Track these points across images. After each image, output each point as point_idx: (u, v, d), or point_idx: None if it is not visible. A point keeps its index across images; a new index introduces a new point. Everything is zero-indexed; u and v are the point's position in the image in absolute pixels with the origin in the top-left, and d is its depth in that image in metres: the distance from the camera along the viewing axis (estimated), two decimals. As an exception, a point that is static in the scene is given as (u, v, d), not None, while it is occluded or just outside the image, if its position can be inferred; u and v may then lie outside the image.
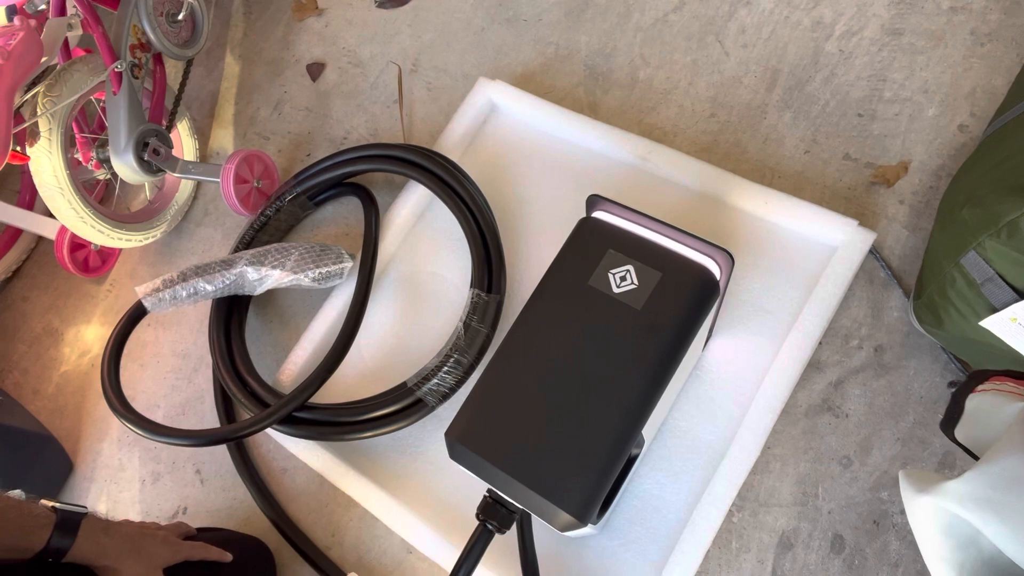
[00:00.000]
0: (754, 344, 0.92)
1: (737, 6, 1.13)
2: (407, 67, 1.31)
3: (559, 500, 0.66)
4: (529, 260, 1.07)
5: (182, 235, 1.36)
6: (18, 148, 1.11)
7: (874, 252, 0.93)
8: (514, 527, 0.76)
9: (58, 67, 1.13)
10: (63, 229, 1.27)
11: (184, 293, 1.04)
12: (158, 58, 1.23)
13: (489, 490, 0.74)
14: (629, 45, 1.17)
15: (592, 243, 0.75)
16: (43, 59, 1.08)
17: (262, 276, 1.05)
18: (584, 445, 0.68)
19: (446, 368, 0.96)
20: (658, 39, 1.16)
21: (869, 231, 0.91)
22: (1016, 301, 0.68)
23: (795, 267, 0.94)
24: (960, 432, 0.61)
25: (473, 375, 0.98)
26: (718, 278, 0.73)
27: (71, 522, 0.74)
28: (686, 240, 0.73)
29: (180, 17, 1.23)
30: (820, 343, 0.91)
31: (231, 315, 1.12)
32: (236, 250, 1.15)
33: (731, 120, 1.07)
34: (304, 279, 1.06)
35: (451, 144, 1.15)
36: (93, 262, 1.35)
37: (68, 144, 1.14)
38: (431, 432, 1.01)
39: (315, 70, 1.38)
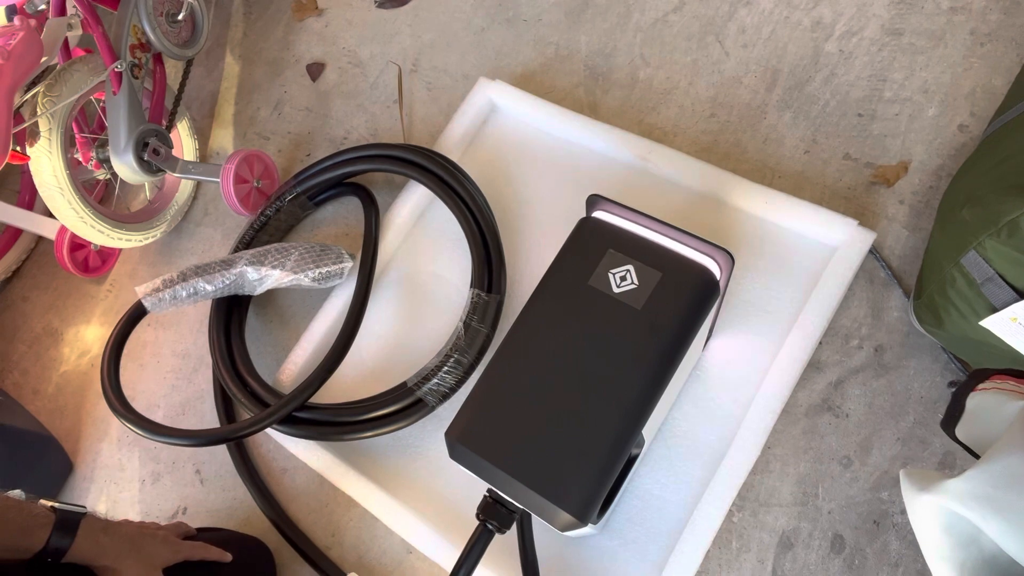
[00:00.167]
0: (754, 344, 0.92)
1: (737, 6, 1.13)
2: (407, 67, 1.31)
3: (559, 500, 0.66)
4: (529, 260, 1.07)
5: (182, 235, 1.36)
6: (18, 148, 1.11)
7: (874, 252, 0.93)
8: (514, 527, 0.76)
9: (58, 67, 1.13)
10: (63, 229, 1.27)
11: (184, 293, 1.03)
12: (158, 58, 1.23)
13: (489, 490, 0.74)
14: (629, 45, 1.17)
15: (592, 243, 0.75)
16: (43, 59, 1.08)
17: (262, 276, 1.05)
18: (584, 445, 0.68)
19: (446, 368, 0.96)
20: (658, 39, 1.16)
21: (869, 231, 0.91)
22: (1016, 301, 0.68)
23: (795, 267, 0.94)
24: (961, 431, 0.61)
25: (473, 375, 0.98)
26: (718, 278, 0.73)
27: (70, 522, 0.74)
28: (686, 240, 0.73)
29: (180, 17, 1.23)
30: (820, 343, 0.91)
31: (231, 315, 1.12)
32: (236, 250, 1.15)
33: (731, 120, 1.07)
34: (304, 279, 1.06)
35: (451, 144, 1.15)
36: (93, 262, 1.35)
37: (68, 144, 1.14)
38: (431, 432, 1.01)
39: (315, 70, 1.38)
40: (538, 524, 0.75)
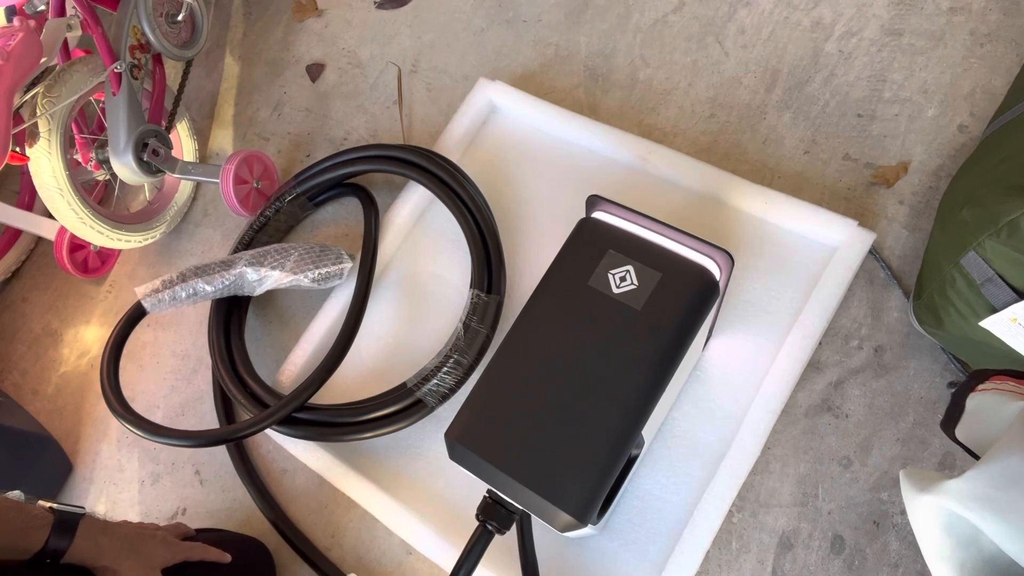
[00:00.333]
0: (754, 344, 0.92)
1: (737, 7, 1.13)
2: (407, 68, 1.31)
3: (559, 501, 0.66)
4: (529, 261, 1.07)
5: (181, 236, 1.35)
6: (17, 149, 1.11)
7: (874, 252, 0.93)
8: (514, 528, 0.76)
9: (57, 68, 1.13)
10: (62, 230, 1.27)
11: (183, 294, 1.03)
12: (157, 59, 1.23)
13: (489, 491, 0.74)
14: (629, 46, 1.17)
15: (592, 243, 0.75)
16: (42, 60, 1.08)
17: (261, 277, 1.05)
18: (584, 446, 0.68)
19: (446, 369, 0.96)
20: (658, 40, 1.16)
21: (869, 231, 0.91)
22: (1016, 301, 0.68)
23: (795, 267, 0.94)
24: (961, 431, 0.61)
25: (473, 376, 0.98)
26: (718, 278, 0.73)
27: (69, 523, 0.74)
28: (686, 240, 0.73)
29: (179, 18, 1.23)
30: (820, 343, 0.91)
31: (230, 316, 1.12)
32: (235, 251, 1.15)
33: (731, 121, 1.07)
34: (304, 280, 1.06)
35: (451, 145, 1.15)
36: (92, 263, 1.35)
37: (67, 145, 1.14)
38: (431, 433, 1.01)
39: (315, 71, 1.38)
40: (538, 525, 0.75)
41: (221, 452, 1.13)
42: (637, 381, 0.69)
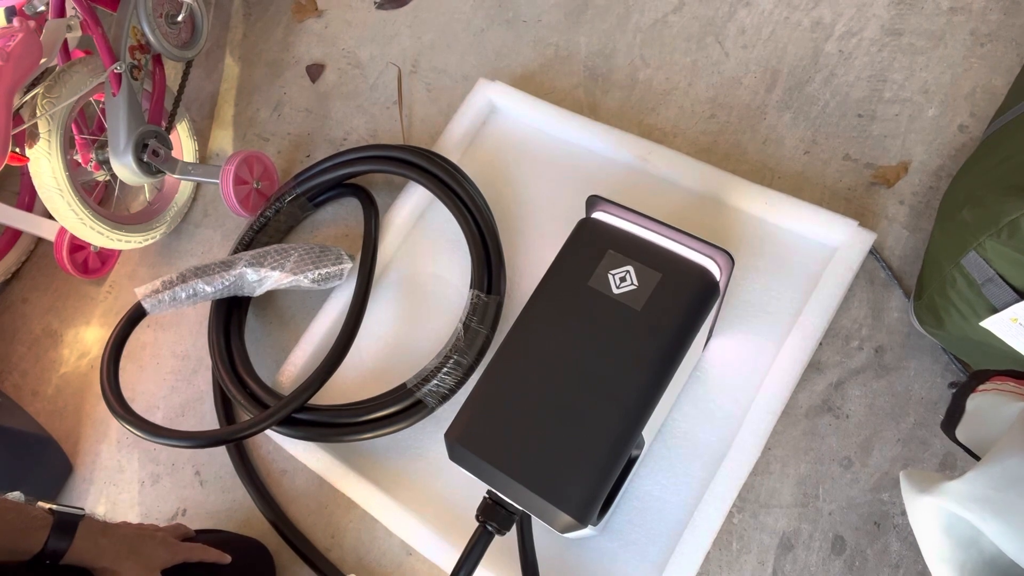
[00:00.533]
0: (754, 345, 0.92)
1: (737, 7, 1.13)
2: (407, 68, 1.31)
3: (559, 501, 0.66)
4: (529, 261, 1.07)
5: (181, 236, 1.35)
6: (17, 149, 1.11)
7: (874, 253, 0.93)
8: (514, 529, 0.76)
9: (57, 68, 1.13)
10: (62, 231, 1.27)
11: (183, 294, 1.03)
12: (157, 59, 1.23)
13: (489, 491, 0.74)
14: (629, 46, 1.17)
15: (592, 244, 0.75)
16: (42, 60, 1.08)
17: (261, 277, 1.05)
18: (584, 446, 0.68)
19: (446, 369, 0.96)
20: (658, 40, 1.16)
21: (869, 232, 0.91)
22: (1017, 301, 0.68)
23: (795, 268, 0.94)
24: (961, 432, 0.61)
25: (473, 376, 0.98)
26: (718, 279, 0.73)
27: (68, 524, 0.74)
28: (686, 241, 0.73)
29: (179, 18, 1.23)
30: (820, 344, 0.91)
31: (230, 316, 1.12)
32: (235, 251, 1.15)
33: (731, 121, 1.07)
34: (303, 280, 1.06)
35: (451, 145, 1.15)
36: (92, 264, 1.35)
37: (67, 145, 1.14)
38: (431, 433, 1.01)
39: (315, 71, 1.38)
40: (538, 525, 0.75)
41: (221, 453, 1.13)
42: (637, 381, 0.69)
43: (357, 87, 1.33)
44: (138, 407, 1.03)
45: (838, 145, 1.00)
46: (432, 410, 0.97)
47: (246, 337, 1.13)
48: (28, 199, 1.40)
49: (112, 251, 1.38)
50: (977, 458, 0.59)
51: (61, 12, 1.13)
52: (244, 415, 1.08)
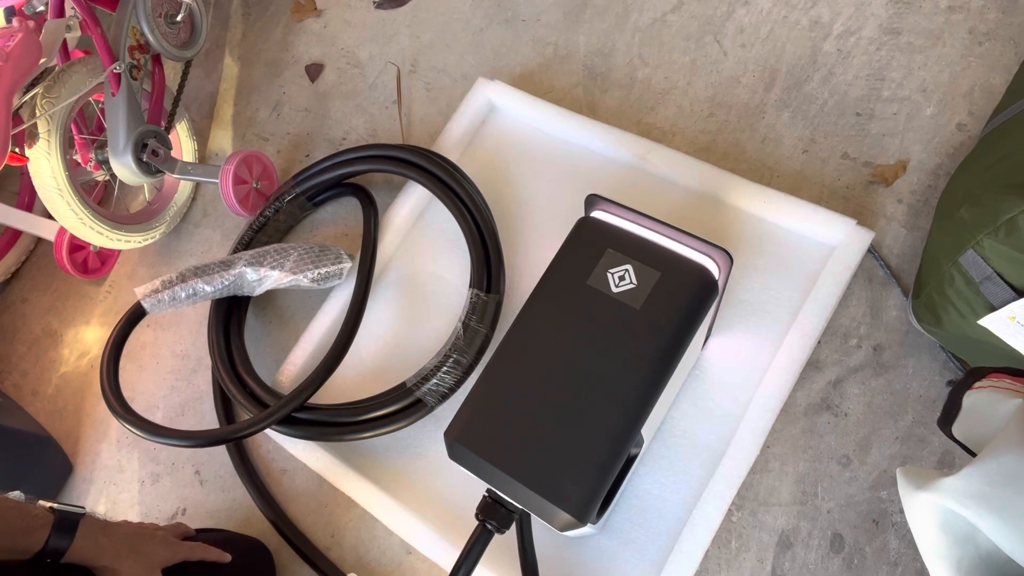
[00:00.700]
0: (753, 343, 0.92)
1: (735, 6, 1.13)
2: (406, 68, 1.31)
3: (558, 500, 0.66)
4: (528, 260, 1.07)
5: (181, 236, 1.36)
6: (17, 149, 1.11)
7: (872, 251, 0.93)
8: (514, 527, 0.76)
9: (57, 68, 1.13)
10: (62, 230, 1.28)
11: (183, 294, 1.04)
12: (157, 59, 1.23)
13: (488, 490, 0.74)
14: (628, 45, 1.17)
15: (591, 243, 0.75)
16: (42, 60, 1.08)
17: (261, 277, 1.05)
18: (583, 445, 0.68)
19: (445, 368, 0.96)
20: (656, 39, 1.16)
21: (867, 230, 0.91)
22: (1015, 299, 0.68)
23: (794, 266, 0.94)
24: (958, 429, 0.61)
25: (472, 375, 0.98)
26: (717, 277, 0.73)
27: (69, 522, 0.74)
28: (685, 239, 0.73)
29: (178, 18, 1.23)
30: (819, 342, 0.91)
31: (230, 316, 1.12)
32: (235, 251, 1.15)
33: (729, 120, 1.07)
34: (303, 280, 1.06)
35: (450, 144, 1.15)
36: (92, 263, 1.36)
37: (67, 145, 1.14)
38: (430, 432, 1.01)
39: (314, 71, 1.38)
40: (537, 524, 0.75)
41: (221, 452, 1.13)
42: (636, 380, 0.70)
43: (356, 87, 1.33)
44: (138, 407, 1.03)
45: (836, 144, 1.00)
46: (431, 409, 0.98)
47: (246, 337, 1.13)
48: (28, 199, 1.40)
49: (112, 251, 1.38)
50: (973, 455, 0.60)
51: (60, 12, 1.13)
52: (244, 414, 1.08)
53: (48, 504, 0.76)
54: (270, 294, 1.20)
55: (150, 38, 1.16)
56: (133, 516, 1.16)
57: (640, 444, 0.81)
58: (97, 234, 1.18)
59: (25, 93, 1.12)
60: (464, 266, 1.07)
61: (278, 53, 1.43)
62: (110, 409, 0.98)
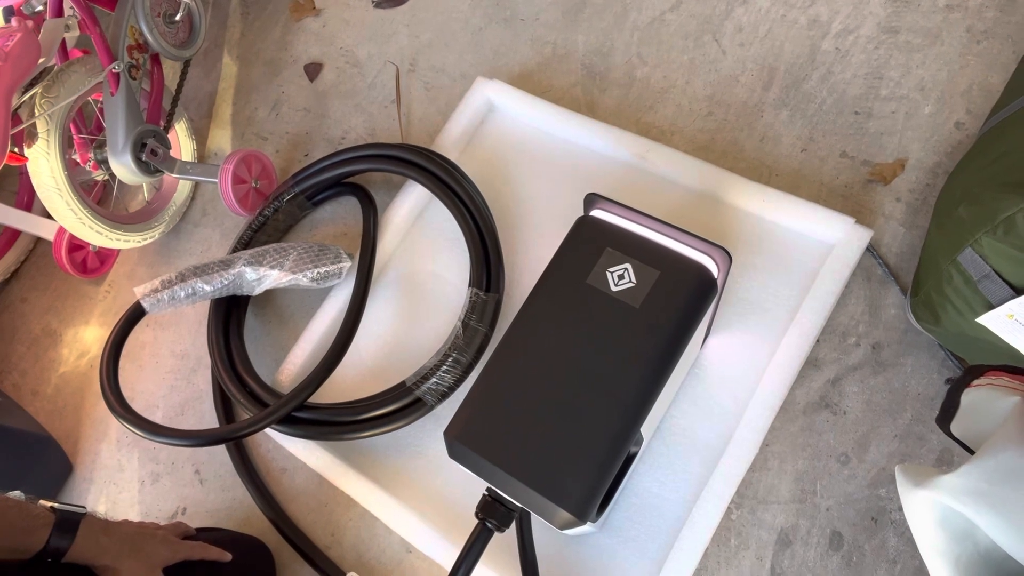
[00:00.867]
0: (752, 342, 0.92)
1: (734, 5, 1.13)
2: (405, 67, 1.31)
3: (558, 498, 0.66)
4: (527, 259, 1.07)
5: (180, 236, 1.36)
6: (16, 149, 1.11)
7: (871, 250, 0.93)
8: (513, 525, 0.76)
9: (56, 68, 1.13)
10: (61, 230, 1.27)
11: (182, 294, 1.04)
12: (155, 59, 1.23)
13: (488, 489, 0.74)
14: (626, 44, 1.17)
15: (590, 241, 0.75)
16: (40, 60, 1.08)
17: (260, 276, 1.05)
18: (583, 443, 0.68)
19: (445, 367, 0.96)
20: (655, 38, 1.16)
21: (866, 229, 0.91)
22: (1013, 297, 0.68)
23: (792, 265, 0.94)
24: (956, 427, 0.61)
25: (472, 374, 0.98)
26: (716, 276, 0.73)
27: (70, 522, 0.74)
28: (684, 238, 0.73)
29: (177, 18, 1.23)
30: (818, 341, 0.91)
31: (230, 315, 1.12)
32: (234, 250, 1.15)
33: (728, 118, 1.07)
34: (302, 279, 1.06)
35: (449, 144, 1.15)
36: (91, 263, 1.36)
37: (66, 145, 1.14)
38: (430, 431, 1.01)
39: (313, 70, 1.38)
40: (537, 522, 0.75)
41: (221, 451, 1.13)
42: (635, 379, 0.70)
43: (355, 86, 1.33)
44: (137, 406, 1.03)
45: (835, 142, 1.01)
46: (431, 408, 0.98)
47: (245, 336, 1.13)
48: (27, 199, 1.40)
49: (111, 250, 1.38)
50: (972, 452, 0.60)
51: (59, 12, 1.13)
52: (244, 414, 1.08)
53: (49, 504, 0.76)
54: (269, 293, 1.20)
55: (149, 37, 1.16)
56: (133, 515, 1.16)
57: (640, 442, 0.81)
58: (96, 234, 1.18)
59: (24, 93, 1.11)
60: (463, 265, 1.07)
61: (277, 52, 1.43)
62: (110, 408, 0.98)
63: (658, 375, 0.70)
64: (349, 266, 1.10)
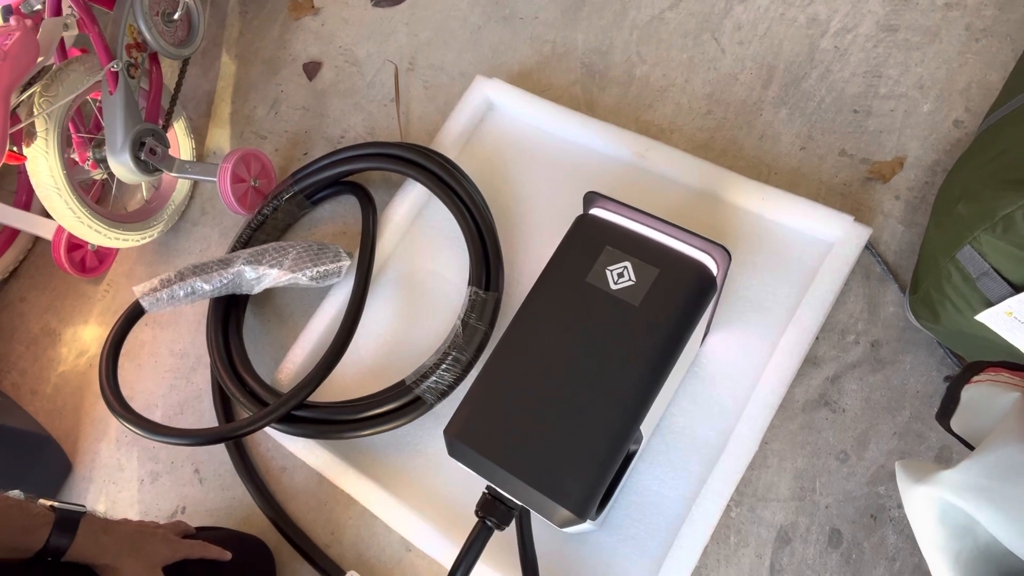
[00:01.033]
0: (751, 340, 0.92)
1: (733, 3, 1.13)
2: (404, 65, 1.31)
3: (558, 496, 0.66)
4: (527, 257, 1.07)
5: (179, 235, 1.35)
6: (15, 148, 1.11)
7: (870, 247, 0.93)
8: (513, 524, 0.76)
9: (54, 67, 1.13)
10: (60, 229, 1.27)
11: (181, 293, 1.04)
12: (154, 58, 1.23)
13: (488, 487, 0.74)
14: (626, 42, 1.17)
15: (589, 240, 0.75)
16: (39, 59, 1.08)
17: (260, 275, 1.05)
18: (582, 441, 0.68)
19: (444, 366, 0.96)
20: (654, 36, 1.16)
21: (865, 227, 0.91)
22: (1011, 295, 0.68)
23: (792, 263, 0.95)
24: (956, 423, 0.61)
25: (471, 372, 0.98)
26: (715, 274, 0.73)
27: (70, 521, 0.74)
28: (683, 236, 0.73)
29: (176, 16, 1.23)
30: (817, 338, 0.91)
31: (229, 314, 1.12)
32: (233, 249, 1.15)
33: (727, 117, 1.07)
34: (302, 278, 1.06)
35: (448, 142, 1.15)
36: (90, 262, 1.35)
37: (65, 144, 1.13)
38: (430, 430, 1.01)
39: (311, 69, 1.38)
40: (537, 520, 0.75)
41: (220, 450, 1.13)
42: (635, 377, 0.70)
43: (354, 85, 1.33)
44: (137, 405, 1.03)
45: (834, 141, 1.01)
46: (431, 406, 0.98)
47: (244, 335, 1.13)
48: (25, 198, 1.39)
49: (110, 249, 1.38)
50: (972, 448, 0.60)
51: (58, 10, 1.13)
52: (243, 413, 1.08)
53: (48, 503, 0.76)
54: (269, 292, 1.20)
55: (147, 36, 1.16)
56: (133, 515, 1.16)
57: (639, 440, 0.81)
58: (95, 233, 1.18)
59: (23, 92, 1.11)
60: (463, 264, 1.07)
61: (276, 51, 1.43)
62: (109, 408, 0.98)
63: (658, 373, 0.71)
64: (348, 265, 1.10)
